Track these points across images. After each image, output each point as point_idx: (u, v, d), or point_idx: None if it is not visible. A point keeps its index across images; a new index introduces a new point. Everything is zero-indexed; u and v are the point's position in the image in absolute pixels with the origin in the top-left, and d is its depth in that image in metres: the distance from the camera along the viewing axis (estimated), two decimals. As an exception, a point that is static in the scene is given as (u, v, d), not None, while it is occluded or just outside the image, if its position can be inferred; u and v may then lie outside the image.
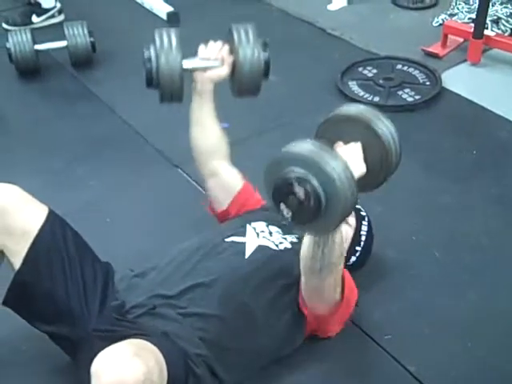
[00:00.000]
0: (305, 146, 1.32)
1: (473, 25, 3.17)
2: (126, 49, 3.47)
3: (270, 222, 1.87)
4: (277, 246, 1.79)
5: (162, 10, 3.77)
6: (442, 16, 3.59)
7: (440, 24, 3.53)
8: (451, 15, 3.59)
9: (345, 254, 1.69)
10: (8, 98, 3.16)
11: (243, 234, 1.80)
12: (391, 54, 3.30)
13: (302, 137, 2.94)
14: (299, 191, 1.28)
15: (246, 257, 1.73)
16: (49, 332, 1.71)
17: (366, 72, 3.21)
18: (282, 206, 1.32)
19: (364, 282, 2.01)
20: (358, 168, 1.49)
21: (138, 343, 1.42)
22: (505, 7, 3.49)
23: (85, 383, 1.61)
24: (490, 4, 3.19)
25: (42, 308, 1.67)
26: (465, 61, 3.23)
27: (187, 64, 1.68)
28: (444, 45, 3.31)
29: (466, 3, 3.62)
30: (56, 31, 3.25)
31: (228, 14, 3.82)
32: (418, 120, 2.89)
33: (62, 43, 3.23)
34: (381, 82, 3.10)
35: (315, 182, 1.27)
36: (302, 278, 1.66)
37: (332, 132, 1.47)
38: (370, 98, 3.01)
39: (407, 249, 2.22)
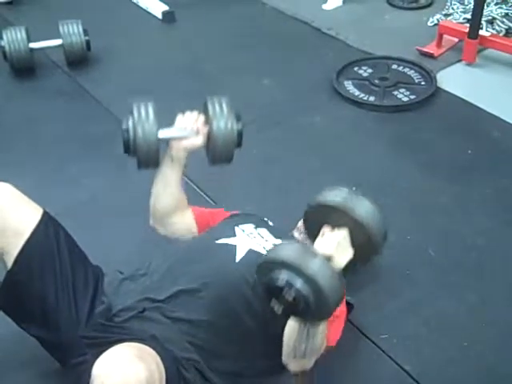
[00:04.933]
0: (290, 250, 1.40)
1: (468, 25, 3.18)
2: (121, 48, 3.47)
3: (257, 225, 1.87)
4: (266, 250, 1.78)
5: (158, 9, 3.77)
6: (437, 16, 3.60)
7: (435, 24, 3.54)
8: (446, 15, 3.60)
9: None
10: (2, 96, 3.16)
11: (233, 235, 1.80)
12: (386, 53, 3.31)
13: (297, 136, 2.95)
14: (288, 296, 1.37)
15: (237, 261, 1.72)
16: (36, 336, 1.70)
17: (361, 72, 3.21)
18: (274, 301, 1.41)
19: (360, 281, 2.02)
20: (346, 254, 1.52)
21: (139, 347, 1.41)
22: (500, 7, 3.50)
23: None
24: (485, 4, 3.19)
25: (30, 310, 1.65)
26: (460, 61, 3.24)
27: (163, 134, 1.75)
28: (439, 45, 3.31)
29: (460, 3, 3.63)
30: (51, 29, 3.23)
31: (223, 13, 3.82)
32: (413, 120, 2.90)
33: (57, 41, 3.22)
34: (376, 81, 3.10)
35: (303, 287, 1.36)
36: (283, 355, 1.64)
37: (319, 216, 1.54)
38: (365, 98, 3.01)
39: (403, 248, 2.22)
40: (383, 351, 1.88)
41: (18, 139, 2.84)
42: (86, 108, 3.03)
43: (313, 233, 1.54)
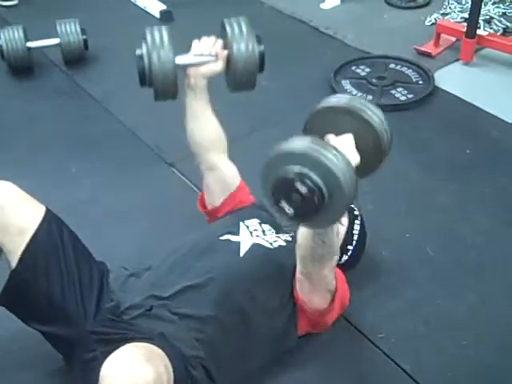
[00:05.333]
0: (300, 143, 1.31)
1: (465, 24, 3.18)
2: (119, 47, 3.46)
3: (262, 220, 1.87)
4: (271, 244, 1.79)
5: (156, 8, 3.76)
6: (435, 15, 3.60)
7: (433, 23, 3.54)
8: (444, 14, 3.60)
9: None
10: (0, 95, 3.14)
11: (237, 232, 1.80)
12: (384, 53, 3.30)
13: (295, 135, 2.95)
14: (301, 188, 1.27)
15: (241, 255, 1.73)
16: (43, 332, 1.70)
17: (359, 71, 3.21)
18: (283, 203, 1.30)
19: (358, 280, 2.02)
20: (353, 159, 1.47)
21: (147, 347, 1.41)
22: (497, 7, 3.51)
23: (77, 383, 1.62)
24: (483, 3, 3.20)
25: (37, 307, 1.66)
26: (457, 60, 3.24)
27: (180, 60, 1.67)
28: (437, 44, 3.32)
29: (458, 3, 3.63)
30: (49, 29, 3.23)
31: (220, 12, 3.77)
32: (410, 119, 2.90)
33: (55, 41, 3.21)
34: (374, 80, 3.10)
35: (317, 178, 1.26)
36: (299, 269, 1.65)
37: (321, 124, 1.46)
38: (363, 97, 3.01)
39: (401, 247, 2.22)
40: (382, 350, 1.88)
41: (16, 139, 2.83)
42: (84, 107, 3.03)
43: None
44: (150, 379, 1.31)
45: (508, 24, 3.42)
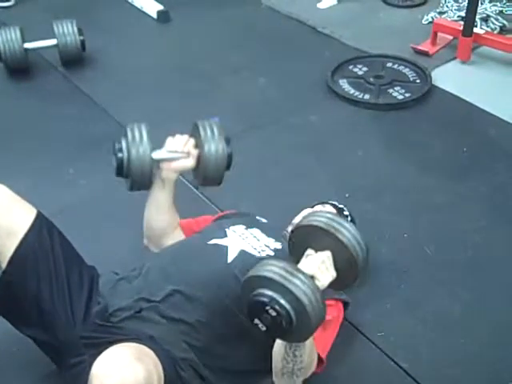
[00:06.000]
0: (273, 269, 1.43)
1: (462, 23, 3.18)
2: (116, 47, 3.47)
3: (248, 225, 1.87)
4: (259, 252, 1.78)
5: (153, 8, 3.76)
6: (432, 14, 3.60)
7: (430, 22, 3.54)
8: (440, 13, 3.60)
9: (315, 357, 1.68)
10: (-3, 96, 3.15)
11: (225, 237, 1.80)
12: (381, 52, 3.31)
13: (293, 134, 2.94)
14: (272, 312, 1.40)
15: (229, 261, 1.72)
16: (32, 336, 1.69)
17: (356, 70, 3.22)
18: (257, 320, 1.44)
19: (357, 279, 2.02)
20: (328, 275, 1.53)
21: (137, 347, 1.41)
22: (494, 5, 3.51)
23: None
24: (479, 2, 3.20)
25: (26, 310, 1.65)
26: (454, 58, 3.25)
27: (156, 155, 1.77)
28: (434, 43, 3.32)
29: (455, 1, 3.64)
30: (46, 29, 3.23)
31: (218, 12, 3.82)
32: (408, 118, 2.91)
33: (52, 41, 3.21)
34: (371, 79, 3.10)
35: (285, 303, 1.39)
36: (273, 375, 1.66)
37: (303, 239, 1.57)
38: (360, 96, 3.01)
39: (399, 246, 2.23)
40: (380, 349, 1.89)
41: (13, 139, 2.83)
42: (81, 108, 3.02)
43: (297, 255, 1.57)
44: (140, 378, 1.31)
45: (505, 22, 3.42)
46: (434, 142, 2.75)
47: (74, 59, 3.26)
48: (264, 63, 3.33)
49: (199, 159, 1.79)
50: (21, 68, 3.21)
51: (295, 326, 1.41)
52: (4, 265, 1.64)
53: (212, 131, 1.79)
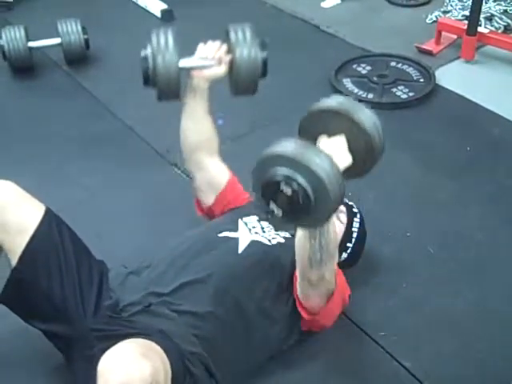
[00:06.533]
0: (288, 145, 1.34)
1: (466, 22, 3.18)
2: (120, 46, 3.47)
3: (261, 217, 1.87)
4: (269, 241, 1.79)
5: (156, 7, 3.77)
6: (436, 13, 3.60)
7: (434, 21, 3.54)
8: (445, 12, 3.60)
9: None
10: (1, 95, 3.15)
11: (236, 229, 1.80)
12: (385, 51, 3.30)
13: (295, 134, 2.94)
14: (287, 190, 1.30)
15: (239, 252, 1.73)
16: (43, 330, 1.71)
17: (360, 69, 3.21)
18: (272, 204, 1.34)
19: (359, 278, 2.02)
20: (344, 159, 1.50)
21: (144, 343, 1.42)
22: (498, 4, 3.51)
23: (78, 380, 1.62)
24: (484, 1, 3.20)
25: (37, 306, 1.67)
26: (458, 58, 3.24)
27: (184, 63, 1.70)
28: (438, 42, 3.32)
29: (459, 0, 3.63)
30: (50, 28, 3.23)
31: (222, 11, 3.81)
32: (411, 117, 2.90)
33: (56, 40, 3.22)
34: (375, 79, 3.10)
35: (302, 180, 1.30)
36: (299, 271, 1.65)
37: (315, 125, 1.49)
38: (364, 95, 3.01)
39: (402, 245, 2.23)
40: (383, 348, 1.89)
41: (17, 138, 2.83)
42: (85, 107, 3.03)
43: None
44: (146, 374, 1.31)
45: (509, 21, 3.42)
46: (438, 141, 2.75)
47: (78, 58, 3.27)
48: (268, 62, 3.32)
49: (231, 66, 1.71)
50: (25, 67, 3.22)
51: (313, 204, 1.31)
52: (15, 261, 1.65)
53: (244, 35, 1.70)
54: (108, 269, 1.79)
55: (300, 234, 1.57)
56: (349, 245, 1.96)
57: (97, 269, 1.74)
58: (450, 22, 3.35)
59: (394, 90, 3.05)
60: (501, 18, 3.42)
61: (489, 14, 3.43)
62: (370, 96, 3.01)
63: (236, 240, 1.76)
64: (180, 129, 1.90)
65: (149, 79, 1.66)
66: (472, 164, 2.61)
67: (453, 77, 3.14)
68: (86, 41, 3.22)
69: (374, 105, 2.95)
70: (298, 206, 1.31)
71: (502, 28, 3.41)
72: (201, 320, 1.63)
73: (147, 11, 3.83)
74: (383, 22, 3.64)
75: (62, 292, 1.64)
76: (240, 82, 1.71)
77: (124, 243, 2.22)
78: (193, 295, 1.65)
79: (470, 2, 3.20)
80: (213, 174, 1.95)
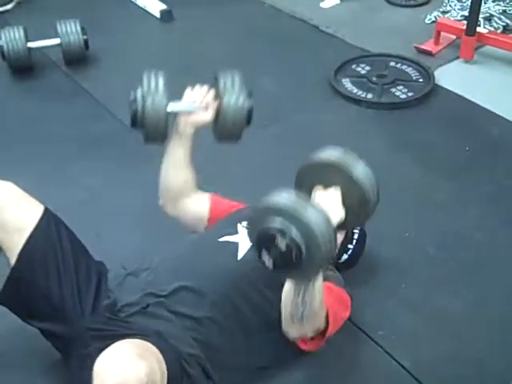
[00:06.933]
0: (286, 197, 1.37)
1: (465, 22, 3.18)
2: (119, 46, 3.48)
3: None
4: None
5: (156, 7, 3.77)
6: (435, 13, 3.60)
7: (433, 21, 3.54)
8: (444, 12, 3.60)
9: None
10: (1, 95, 3.16)
11: (235, 232, 1.80)
12: (384, 51, 3.31)
13: (296, 133, 2.95)
14: (281, 243, 1.33)
15: (239, 258, 1.73)
16: (41, 328, 1.71)
17: (359, 69, 3.22)
18: (264, 253, 1.38)
19: (358, 278, 2.03)
20: (337, 213, 1.52)
21: (140, 344, 1.42)
22: (497, 4, 3.51)
23: (74, 379, 1.63)
24: (483, 1, 3.20)
25: (35, 305, 1.67)
26: (457, 58, 3.24)
27: (172, 107, 1.71)
28: (437, 42, 3.32)
29: (458, 0, 3.63)
30: (49, 29, 3.24)
31: (221, 11, 3.82)
32: (410, 117, 2.90)
33: (55, 41, 3.22)
34: (374, 79, 3.10)
35: (296, 234, 1.32)
36: (283, 322, 1.66)
37: (312, 176, 1.52)
38: (363, 95, 3.01)
39: (400, 245, 2.23)
40: (382, 348, 1.89)
41: (16, 138, 2.84)
42: (84, 107, 3.03)
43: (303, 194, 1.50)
44: (142, 375, 1.31)
45: (508, 21, 3.42)
46: (437, 141, 2.75)
47: (77, 58, 3.27)
48: (267, 62, 3.33)
49: (218, 112, 1.71)
50: (24, 67, 3.22)
51: (304, 258, 1.33)
52: (13, 261, 1.65)
53: (232, 82, 1.70)
54: (107, 270, 1.79)
55: (287, 286, 1.58)
56: (349, 246, 1.97)
57: (95, 269, 1.75)
58: (449, 23, 3.35)
59: (393, 90, 3.06)
60: (500, 18, 3.42)
61: (488, 15, 3.43)
62: (369, 96, 3.01)
63: (236, 245, 1.75)
64: (160, 176, 1.88)
65: (136, 121, 1.68)
66: (471, 164, 2.62)
67: (452, 77, 3.14)
68: (86, 41, 3.22)
69: (373, 105, 2.98)
70: (290, 258, 1.35)
71: (501, 28, 3.41)
72: (199, 324, 1.63)
73: (146, 12, 3.83)
74: (382, 22, 3.64)
75: (59, 291, 1.64)
76: (225, 129, 1.73)
77: (124, 243, 2.22)
78: (191, 299, 1.65)
79: (468, 3, 3.21)
80: (192, 210, 1.93)
